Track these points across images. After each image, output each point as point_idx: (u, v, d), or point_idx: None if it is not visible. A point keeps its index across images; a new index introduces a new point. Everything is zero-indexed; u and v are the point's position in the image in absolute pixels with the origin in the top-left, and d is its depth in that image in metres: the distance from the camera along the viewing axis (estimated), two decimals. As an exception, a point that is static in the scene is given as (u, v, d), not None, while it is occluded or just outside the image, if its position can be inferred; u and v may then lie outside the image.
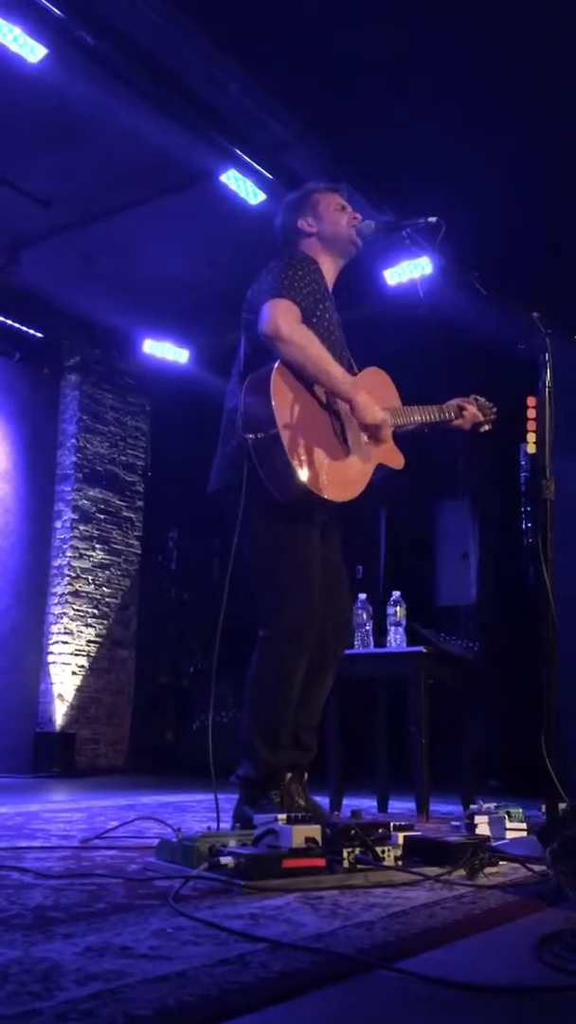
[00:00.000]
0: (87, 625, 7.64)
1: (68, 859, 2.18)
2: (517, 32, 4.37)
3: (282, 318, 2.63)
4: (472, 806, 3.17)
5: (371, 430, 2.77)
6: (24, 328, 7.36)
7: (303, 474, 2.58)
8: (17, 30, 4.27)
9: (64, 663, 7.42)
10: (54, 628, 7.49)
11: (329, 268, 2.98)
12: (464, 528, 7.11)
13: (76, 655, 7.51)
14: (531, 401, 2.72)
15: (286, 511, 2.67)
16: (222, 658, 2.62)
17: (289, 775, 2.72)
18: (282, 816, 1.96)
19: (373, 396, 2.81)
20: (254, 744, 2.67)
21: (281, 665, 2.69)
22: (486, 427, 3.23)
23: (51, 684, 7.36)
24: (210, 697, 2.78)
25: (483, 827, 2.74)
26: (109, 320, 7.50)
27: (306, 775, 2.84)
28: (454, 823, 3.22)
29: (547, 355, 2.69)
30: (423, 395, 3.13)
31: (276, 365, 2.64)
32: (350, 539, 3.02)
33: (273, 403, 2.58)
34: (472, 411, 3.15)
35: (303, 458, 2.60)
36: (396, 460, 2.97)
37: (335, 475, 2.69)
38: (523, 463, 6.60)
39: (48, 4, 4.20)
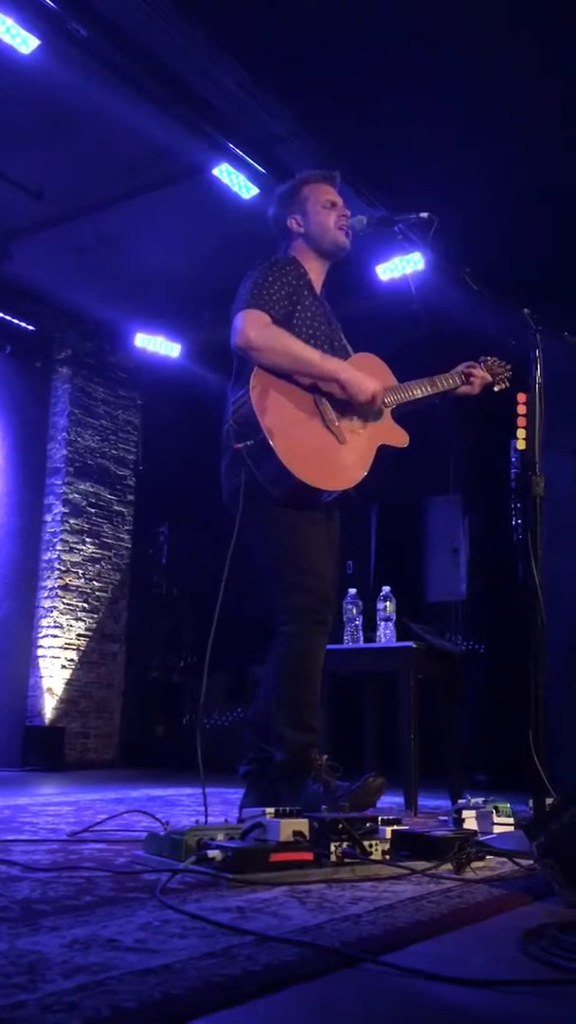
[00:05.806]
0: (77, 619, 7.63)
1: (56, 852, 2.18)
2: (510, 29, 4.37)
3: (250, 328, 2.68)
4: (460, 801, 3.18)
5: (365, 404, 2.77)
6: (15, 321, 7.34)
7: (299, 472, 2.60)
8: (9, 21, 4.26)
9: (54, 656, 7.41)
10: (44, 622, 7.48)
11: (315, 267, 2.98)
12: (454, 524, 7.12)
13: (66, 649, 7.50)
14: (521, 397, 2.71)
15: (290, 505, 2.70)
16: (213, 653, 2.61)
17: (325, 756, 2.71)
18: (270, 810, 1.96)
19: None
20: (281, 731, 2.68)
21: (307, 653, 2.72)
22: (501, 386, 3.19)
23: (40, 678, 7.35)
24: (201, 692, 2.77)
25: (471, 822, 2.75)
26: (101, 314, 7.48)
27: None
28: (442, 818, 3.23)
29: (538, 351, 2.70)
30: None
31: (253, 371, 2.68)
32: (341, 534, 3.01)
33: (255, 409, 2.61)
34: (480, 374, 3.13)
35: (296, 456, 2.61)
36: (399, 439, 2.94)
37: (331, 465, 2.71)
38: (513, 459, 6.61)
39: (41, -5, 4.19)
